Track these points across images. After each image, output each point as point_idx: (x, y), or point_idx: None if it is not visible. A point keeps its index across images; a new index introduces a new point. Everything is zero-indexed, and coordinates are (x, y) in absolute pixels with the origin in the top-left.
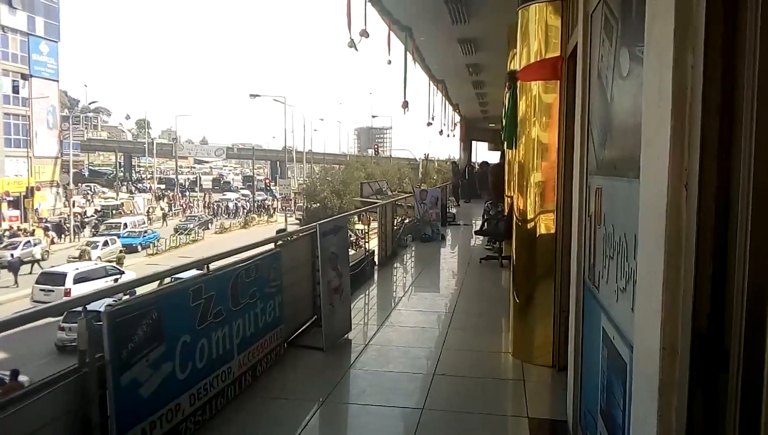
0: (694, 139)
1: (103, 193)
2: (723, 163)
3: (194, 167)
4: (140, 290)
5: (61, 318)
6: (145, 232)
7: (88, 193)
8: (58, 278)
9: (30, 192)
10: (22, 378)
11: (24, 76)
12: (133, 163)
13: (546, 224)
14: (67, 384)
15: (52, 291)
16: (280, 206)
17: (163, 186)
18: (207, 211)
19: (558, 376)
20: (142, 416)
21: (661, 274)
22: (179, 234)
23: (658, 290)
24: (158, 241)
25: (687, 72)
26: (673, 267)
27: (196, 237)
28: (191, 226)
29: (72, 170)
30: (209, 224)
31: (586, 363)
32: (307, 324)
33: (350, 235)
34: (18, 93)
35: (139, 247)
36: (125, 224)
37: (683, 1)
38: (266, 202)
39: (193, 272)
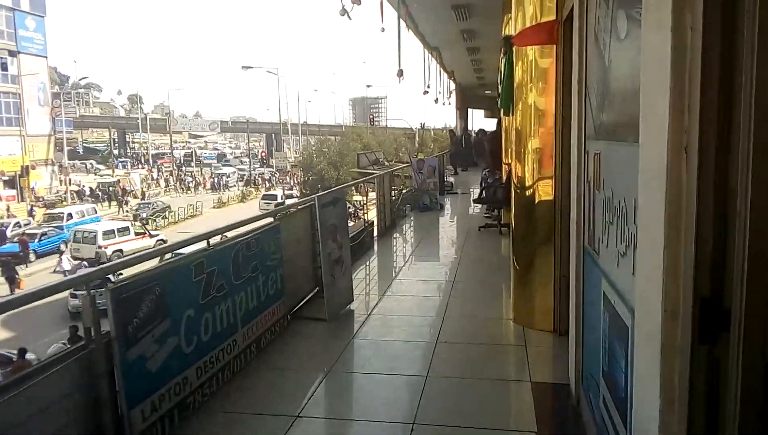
0: (694, 102)
1: (98, 169)
2: (723, 124)
3: (188, 142)
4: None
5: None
6: (44, 234)
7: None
8: (274, 197)
9: (25, 171)
10: (29, 356)
11: (12, 53)
12: (127, 139)
13: (544, 190)
14: (75, 361)
15: (271, 203)
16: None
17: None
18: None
19: (559, 341)
20: (150, 390)
21: (662, 237)
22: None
23: (659, 253)
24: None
25: (686, 33)
26: (674, 229)
27: (195, 212)
28: (144, 214)
29: (66, 148)
30: (167, 211)
31: (588, 327)
32: (310, 296)
33: (349, 207)
34: (6, 70)
35: (33, 256)
36: (69, 215)
37: None
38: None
39: (195, 247)
